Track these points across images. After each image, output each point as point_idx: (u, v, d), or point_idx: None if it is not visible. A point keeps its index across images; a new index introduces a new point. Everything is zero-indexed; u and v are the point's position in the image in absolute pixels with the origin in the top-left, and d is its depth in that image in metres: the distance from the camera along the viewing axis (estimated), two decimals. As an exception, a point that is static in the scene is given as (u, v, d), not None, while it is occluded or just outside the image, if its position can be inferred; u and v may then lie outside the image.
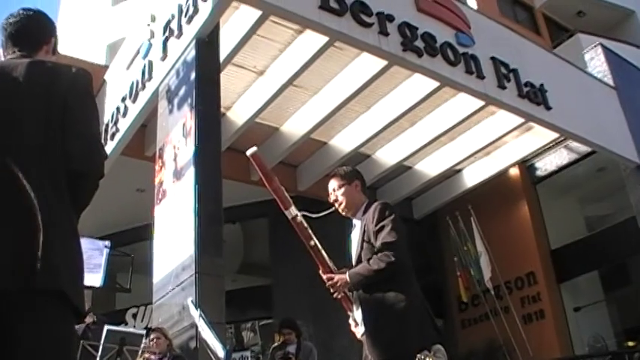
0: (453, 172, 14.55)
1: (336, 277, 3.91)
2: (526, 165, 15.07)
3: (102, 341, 4.99)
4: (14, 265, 1.95)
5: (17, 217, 2.03)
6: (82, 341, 5.57)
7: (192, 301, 5.92)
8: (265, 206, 13.71)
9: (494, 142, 13.24)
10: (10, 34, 2.53)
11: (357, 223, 4.12)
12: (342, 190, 4.15)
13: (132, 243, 14.33)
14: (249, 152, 3.88)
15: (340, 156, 12.82)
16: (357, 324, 3.99)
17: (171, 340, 6.85)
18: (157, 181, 8.76)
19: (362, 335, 3.91)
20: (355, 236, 4.10)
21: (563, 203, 15.82)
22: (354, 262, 4.01)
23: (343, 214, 4.19)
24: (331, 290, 3.96)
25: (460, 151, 13.61)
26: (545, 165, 14.95)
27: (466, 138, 13.28)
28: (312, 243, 3.98)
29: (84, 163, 2.28)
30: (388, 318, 3.71)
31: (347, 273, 3.88)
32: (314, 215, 4.08)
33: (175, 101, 8.67)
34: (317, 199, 13.42)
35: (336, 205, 4.18)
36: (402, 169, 14.15)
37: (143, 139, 11.54)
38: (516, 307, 14.11)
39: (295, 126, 12.09)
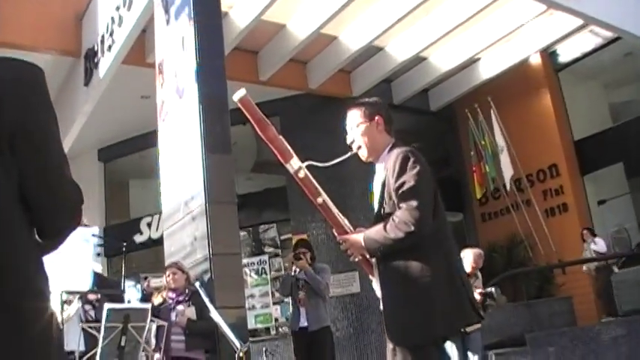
0: (470, 62, 13.83)
1: (350, 238, 3.32)
2: (548, 52, 14.30)
3: (103, 321, 4.60)
4: None
5: None
6: (81, 324, 5.23)
7: (200, 286, 5.49)
8: (276, 105, 13.37)
9: (514, 30, 12.50)
10: None
11: (379, 168, 3.46)
12: (361, 129, 3.42)
13: (141, 150, 14.02)
14: (236, 97, 3.13)
15: (352, 50, 12.15)
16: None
17: (189, 274, 6.53)
18: (158, 98, 8.23)
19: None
20: (377, 184, 3.43)
21: (587, 91, 15.19)
22: (374, 218, 3.39)
23: (363, 158, 3.49)
24: (347, 253, 3.41)
25: (478, 41, 12.88)
26: (569, 51, 14.21)
27: (484, 26, 12.50)
28: (320, 200, 3.32)
29: (51, 228, 1.78)
30: (408, 296, 3.16)
31: (362, 235, 3.27)
32: (323, 164, 3.38)
33: (172, 11, 8.00)
34: (328, 96, 13.20)
35: (354, 147, 3.46)
36: (417, 60, 13.45)
37: (143, 45, 10.89)
38: (538, 201, 13.82)
39: (303, 21, 11.37)
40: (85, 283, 5.43)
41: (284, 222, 13.95)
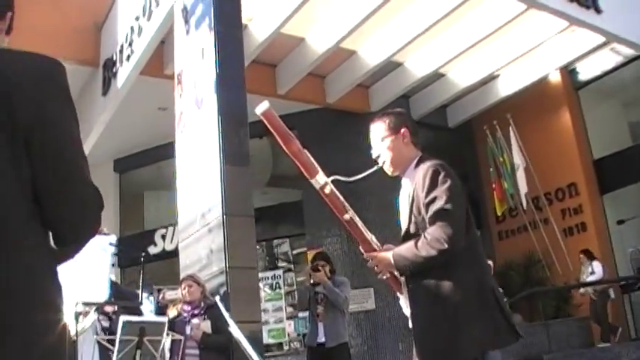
0: (489, 79, 13.73)
1: (379, 256, 3.19)
2: (568, 69, 14.15)
3: (118, 334, 4.48)
4: None
5: None
6: (95, 337, 5.13)
7: (220, 300, 5.36)
8: (293, 119, 13.26)
9: (534, 47, 12.39)
10: None
11: (406, 182, 3.33)
12: (387, 142, 3.29)
13: (157, 161, 13.99)
14: (259, 110, 2.99)
15: (371, 65, 12.08)
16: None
17: (205, 287, 6.42)
18: (176, 109, 8.17)
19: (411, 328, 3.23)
20: (404, 199, 3.30)
21: (607, 110, 15.04)
22: (402, 234, 3.26)
23: (389, 173, 3.36)
24: (375, 270, 3.26)
25: (497, 57, 12.78)
26: (589, 69, 14.05)
27: (504, 43, 12.39)
28: (347, 217, 3.18)
29: (67, 234, 1.67)
30: (438, 317, 3.01)
31: (391, 253, 3.14)
32: (348, 179, 3.25)
33: (192, 21, 7.96)
34: (346, 111, 13.13)
35: (379, 161, 3.33)
36: (436, 76, 13.36)
37: (161, 56, 10.86)
38: (556, 219, 13.64)
39: (322, 35, 11.31)
40: (102, 294, 5.31)
41: (299, 236, 13.84)
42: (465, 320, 2.98)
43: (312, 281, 7.38)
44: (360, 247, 3.32)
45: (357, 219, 3.24)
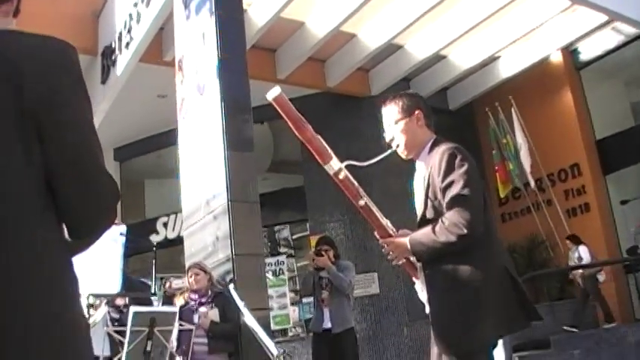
0: (490, 60, 13.62)
1: (395, 241, 3.15)
2: (569, 49, 14.03)
3: (129, 325, 4.41)
4: None
5: None
6: (105, 329, 5.05)
7: (234, 287, 5.28)
8: (294, 104, 13.05)
9: (535, 28, 12.29)
10: None
11: (420, 165, 3.28)
12: (400, 125, 3.24)
13: (158, 149, 13.93)
14: (270, 95, 2.94)
15: (371, 48, 12.00)
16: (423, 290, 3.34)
17: (212, 274, 6.35)
18: (178, 96, 8.08)
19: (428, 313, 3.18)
20: (419, 183, 3.26)
21: (609, 90, 14.92)
22: (418, 219, 3.20)
23: (403, 156, 3.32)
24: (389, 256, 3.22)
25: (498, 38, 12.68)
26: (590, 49, 13.91)
27: (504, 24, 12.29)
28: (362, 202, 3.13)
29: (82, 225, 1.58)
30: (456, 302, 2.97)
31: (408, 238, 3.09)
32: (362, 164, 3.20)
33: (192, 6, 7.85)
34: (347, 95, 13.04)
35: (393, 145, 3.28)
36: (436, 58, 13.26)
37: (160, 43, 10.76)
38: (560, 201, 13.57)
39: (322, 19, 11.22)
40: (114, 286, 5.24)
41: (301, 222, 13.79)
42: (483, 306, 2.95)
43: (315, 266, 7.29)
44: (375, 233, 3.27)
45: (372, 204, 3.19)
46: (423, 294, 3.24)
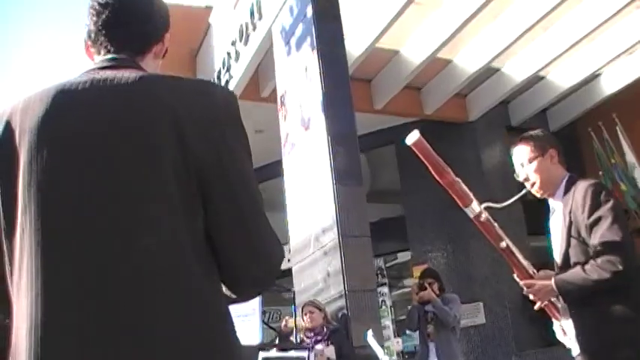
0: (591, 78, 13.15)
1: (538, 283, 3.07)
2: (676, 61, 13.40)
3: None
4: None
5: None
6: None
7: (372, 335, 5.17)
8: (391, 133, 13.14)
9: (636, 42, 11.80)
10: (105, 22, 1.55)
11: (555, 205, 3.21)
12: (534, 164, 3.23)
13: (260, 183, 14.00)
14: (409, 140, 3.02)
15: (468, 73, 11.77)
16: (565, 333, 3.20)
17: (326, 312, 6.28)
18: (282, 130, 8.11)
19: (576, 356, 3.08)
20: (555, 225, 3.18)
21: None
22: (557, 261, 3.13)
23: (538, 195, 3.28)
24: (531, 297, 3.14)
25: (598, 55, 12.19)
26: (697, 60, 13.25)
27: (604, 40, 11.83)
28: (503, 245, 3.14)
29: (242, 284, 1.52)
30: (614, 343, 2.85)
31: (553, 279, 3.01)
32: (500, 205, 3.22)
33: (292, 42, 7.90)
34: (445, 122, 12.84)
35: (527, 184, 3.26)
36: (535, 79, 12.91)
37: (257, 79, 10.88)
38: (674, 221, 12.88)
39: (417, 46, 11.11)
40: (256, 337, 5.19)
41: (402, 252, 13.62)
42: None
43: (420, 299, 7.09)
44: (515, 276, 3.23)
45: (512, 246, 3.18)
46: (565, 336, 3.19)
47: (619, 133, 12.90)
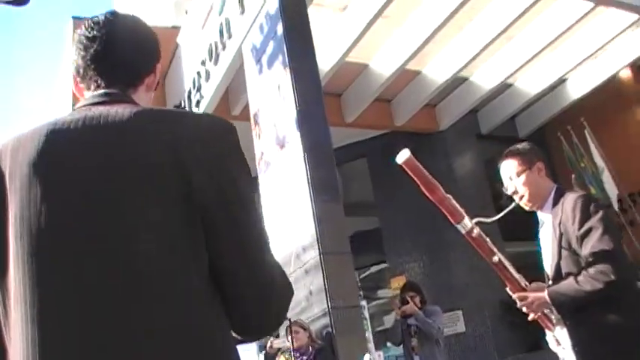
0: (558, 83, 13.33)
1: (531, 296, 3.08)
2: (638, 65, 13.63)
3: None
4: None
5: None
6: None
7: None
8: (363, 146, 13.18)
9: (601, 46, 11.99)
10: (94, 56, 1.50)
11: (544, 218, 3.24)
12: (523, 177, 3.25)
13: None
14: (400, 159, 2.95)
15: (437, 83, 11.87)
16: (558, 343, 3.21)
17: (311, 330, 6.23)
18: (256, 151, 8.06)
19: None
20: (545, 237, 3.22)
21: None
22: (549, 273, 3.17)
23: (526, 208, 3.30)
24: (524, 310, 3.14)
25: (564, 61, 12.38)
26: (660, 62, 13.50)
27: (569, 46, 12.01)
28: (495, 259, 3.13)
29: (249, 324, 1.43)
30: (610, 354, 2.89)
31: (546, 291, 3.03)
32: (489, 220, 3.26)
33: (264, 60, 7.88)
34: (415, 133, 12.90)
35: (516, 197, 3.28)
36: (503, 87, 13.05)
37: (227, 98, 10.83)
38: (644, 220, 13.06)
39: (386, 59, 11.17)
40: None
41: (379, 264, 13.62)
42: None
43: (402, 314, 7.08)
44: (508, 289, 3.23)
45: (505, 261, 3.19)
46: (559, 346, 3.20)
47: (587, 136, 13.03)
